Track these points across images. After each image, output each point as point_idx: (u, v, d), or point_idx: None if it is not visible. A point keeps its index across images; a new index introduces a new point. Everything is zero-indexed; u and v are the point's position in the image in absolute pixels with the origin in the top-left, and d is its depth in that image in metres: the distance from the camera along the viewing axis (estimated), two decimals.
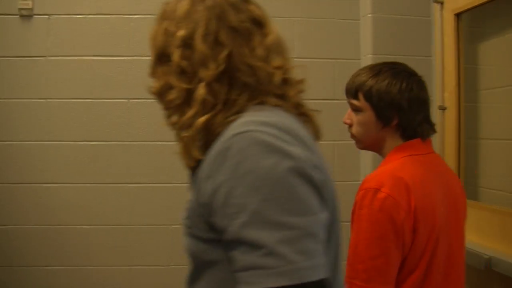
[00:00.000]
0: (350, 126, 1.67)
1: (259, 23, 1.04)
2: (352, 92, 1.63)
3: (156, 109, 2.69)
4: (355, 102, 1.63)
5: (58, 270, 2.80)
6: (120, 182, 2.82)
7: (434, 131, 1.64)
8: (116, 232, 2.81)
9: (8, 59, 2.82)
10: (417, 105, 1.58)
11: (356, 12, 2.93)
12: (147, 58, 2.71)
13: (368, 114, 1.60)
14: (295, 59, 2.67)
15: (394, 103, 1.56)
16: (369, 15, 2.82)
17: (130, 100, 2.82)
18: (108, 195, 2.82)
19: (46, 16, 2.84)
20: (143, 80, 2.71)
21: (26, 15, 2.84)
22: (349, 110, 1.67)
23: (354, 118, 1.64)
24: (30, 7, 2.83)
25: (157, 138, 2.81)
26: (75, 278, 2.82)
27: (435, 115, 2.74)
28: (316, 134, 1.08)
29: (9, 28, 2.84)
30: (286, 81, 1.04)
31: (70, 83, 2.82)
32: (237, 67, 0.99)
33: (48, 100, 2.80)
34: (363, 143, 1.67)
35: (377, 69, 1.61)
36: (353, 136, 1.68)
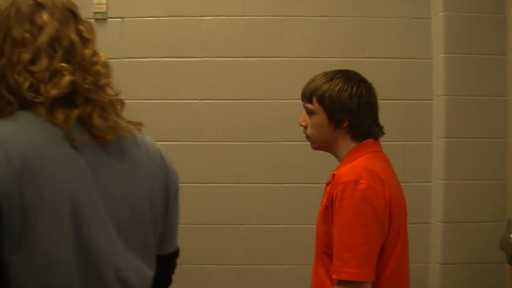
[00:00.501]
0: (305, 128, 1.79)
1: None
2: (307, 96, 1.76)
3: (227, 109, 2.82)
4: (309, 105, 1.76)
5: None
6: (192, 182, 2.89)
7: (382, 133, 1.78)
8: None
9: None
10: (366, 109, 1.72)
11: (427, 11, 2.92)
12: (219, 59, 2.84)
13: (321, 117, 1.73)
14: (366, 59, 2.74)
15: (345, 107, 1.69)
16: (441, 13, 2.81)
17: (202, 101, 2.89)
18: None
19: (120, 19, 2.95)
20: (215, 81, 2.86)
21: (101, 19, 2.95)
22: (304, 113, 1.79)
23: (309, 120, 1.77)
24: (104, 10, 2.94)
25: (229, 138, 2.89)
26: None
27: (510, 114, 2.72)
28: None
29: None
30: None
31: (143, 85, 2.92)
32: None
33: (131, 101, 2.88)
34: (317, 144, 1.79)
35: (331, 76, 1.74)
36: (307, 137, 1.80)
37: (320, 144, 1.79)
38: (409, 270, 1.74)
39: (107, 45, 2.87)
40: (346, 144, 1.74)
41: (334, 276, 1.58)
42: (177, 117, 2.90)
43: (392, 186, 1.66)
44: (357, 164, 1.65)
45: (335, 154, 1.78)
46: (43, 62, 1.01)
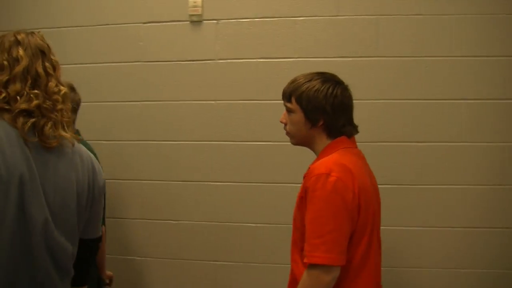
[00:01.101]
0: (285, 125, 1.98)
1: None
2: (287, 95, 1.96)
3: None
4: (288, 104, 1.95)
5: (222, 265, 3.01)
6: (283, 182, 2.95)
7: (356, 131, 1.95)
8: (279, 231, 2.93)
9: (180, 63, 3.07)
10: (340, 110, 1.88)
11: None
12: (313, 59, 2.87)
13: (299, 115, 1.91)
14: (460, 58, 2.68)
15: (320, 107, 1.86)
16: None
17: None
18: (273, 194, 2.95)
19: (215, 21, 3.04)
20: None
21: (196, 21, 3.06)
22: (284, 111, 1.97)
23: (288, 118, 1.96)
24: (199, 13, 3.05)
25: None
26: (238, 273, 3.00)
27: None
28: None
29: (181, 33, 3.08)
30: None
31: (238, 85, 3.00)
32: None
33: (218, 101, 3.00)
34: (296, 139, 1.98)
35: (310, 77, 1.92)
36: (287, 133, 1.99)
37: (298, 140, 1.97)
38: (379, 261, 1.91)
39: (202, 46, 3.00)
40: (322, 140, 1.91)
41: (305, 260, 1.74)
42: (270, 118, 2.95)
43: (363, 180, 1.82)
44: (329, 159, 1.82)
45: (312, 149, 1.96)
46: (17, 86, 1.47)
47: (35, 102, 1.47)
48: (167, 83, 3.08)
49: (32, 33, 1.59)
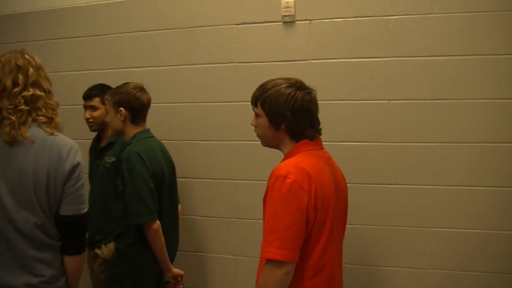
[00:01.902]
0: (255, 127, 2.16)
1: None
2: (254, 100, 2.14)
3: (418, 109, 2.90)
4: (255, 109, 2.13)
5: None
6: (378, 183, 3.03)
7: (319, 134, 2.13)
8: (365, 232, 3.04)
9: (274, 63, 3.19)
10: (300, 114, 2.04)
11: None
12: (407, 59, 2.93)
13: (264, 119, 2.09)
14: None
15: (280, 112, 2.04)
16: None
17: (391, 101, 3.00)
18: (369, 194, 3.04)
19: (307, 22, 3.14)
20: (403, 81, 2.95)
21: (289, 21, 3.17)
22: (254, 115, 2.15)
23: (256, 122, 2.14)
24: (292, 13, 3.16)
25: (420, 139, 2.96)
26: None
27: None
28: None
29: (273, 34, 3.21)
30: None
31: (331, 85, 3.09)
32: None
33: None
34: (264, 142, 2.18)
35: (274, 83, 2.09)
36: (258, 135, 2.18)
37: (266, 142, 2.18)
38: (339, 259, 2.13)
39: (295, 47, 3.11)
40: (286, 143, 2.10)
41: (261, 255, 1.93)
42: (365, 118, 3.04)
43: (321, 181, 1.98)
44: (290, 161, 1.99)
45: (281, 151, 2.14)
46: None
47: None
48: (260, 83, 3.20)
49: (20, 52, 2.05)
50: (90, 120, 3.27)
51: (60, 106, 3.32)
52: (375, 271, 3.07)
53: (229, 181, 3.32)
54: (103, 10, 3.70)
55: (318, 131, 2.14)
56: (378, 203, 3.03)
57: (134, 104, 2.87)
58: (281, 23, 3.19)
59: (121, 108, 2.87)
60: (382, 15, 3.03)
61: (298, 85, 2.09)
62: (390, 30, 3.01)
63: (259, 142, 2.21)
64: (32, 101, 1.98)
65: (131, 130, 2.90)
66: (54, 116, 2.05)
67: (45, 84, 2.06)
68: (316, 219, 1.95)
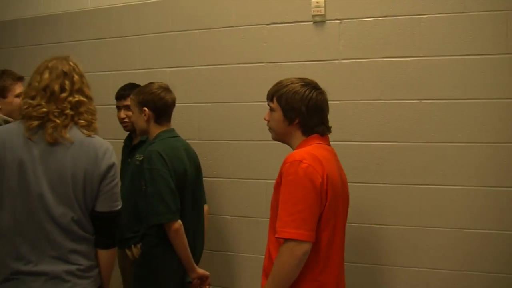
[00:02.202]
0: (268, 121, 2.35)
1: None
2: (270, 96, 2.32)
3: (447, 109, 2.90)
4: (270, 103, 2.32)
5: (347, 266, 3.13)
6: (410, 183, 3.03)
7: (329, 131, 2.34)
8: (406, 233, 3.03)
9: (304, 63, 3.23)
10: (313, 111, 2.24)
11: None
12: (437, 58, 2.92)
13: (278, 114, 2.28)
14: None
15: (295, 108, 2.23)
16: None
17: (422, 101, 3.00)
18: (398, 195, 3.04)
19: (338, 21, 3.16)
20: (435, 81, 2.95)
21: (319, 21, 3.20)
22: (268, 109, 2.33)
23: (270, 116, 2.32)
24: (322, 13, 3.18)
25: (449, 139, 2.95)
26: (363, 274, 3.12)
27: None
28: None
29: (304, 34, 3.24)
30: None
31: (362, 85, 3.11)
32: None
33: (342, 101, 3.13)
34: (275, 135, 2.35)
35: (291, 81, 2.29)
36: (269, 129, 2.36)
37: (277, 135, 2.35)
38: (343, 249, 2.27)
39: (325, 47, 3.14)
40: (297, 137, 2.28)
41: (276, 235, 2.06)
42: (395, 118, 3.04)
43: (331, 170, 2.15)
44: (302, 150, 2.17)
45: (289, 145, 2.32)
46: (37, 99, 2.13)
47: (42, 110, 2.10)
48: None
49: (64, 59, 2.23)
50: (126, 119, 3.33)
51: None
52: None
53: (258, 181, 3.36)
54: (133, 11, 3.78)
55: (328, 129, 2.34)
56: (408, 203, 3.05)
57: (158, 104, 2.92)
58: (311, 23, 3.22)
59: (145, 108, 2.92)
60: (414, 14, 3.02)
61: (313, 85, 2.30)
62: (421, 29, 3.01)
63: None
64: (76, 106, 2.17)
65: (155, 130, 2.95)
66: (93, 120, 2.22)
67: (87, 91, 2.25)
68: (327, 203, 2.10)
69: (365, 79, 3.10)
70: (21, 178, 2.08)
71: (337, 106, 3.11)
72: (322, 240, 2.10)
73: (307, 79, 2.33)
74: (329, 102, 3.03)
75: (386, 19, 3.08)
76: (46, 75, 2.17)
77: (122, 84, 3.45)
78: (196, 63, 3.55)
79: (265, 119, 2.38)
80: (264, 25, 3.34)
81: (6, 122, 2.86)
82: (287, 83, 2.29)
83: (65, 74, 2.18)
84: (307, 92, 2.25)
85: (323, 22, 3.19)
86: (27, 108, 2.14)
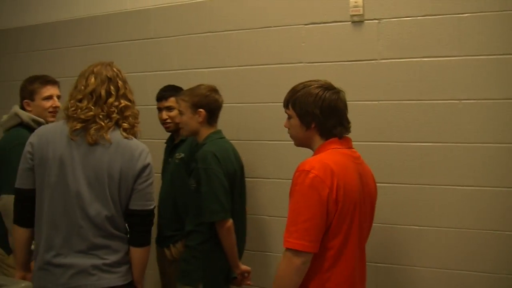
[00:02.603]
0: (288, 129, 2.36)
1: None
2: (286, 103, 2.34)
3: (489, 109, 2.91)
4: (287, 111, 2.33)
5: (382, 267, 3.19)
6: (449, 184, 3.04)
7: (347, 132, 2.31)
8: (447, 234, 3.05)
9: (343, 63, 3.27)
10: (328, 112, 2.23)
11: None
12: (477, 57, 2.93)
13: (295, 120, 2.29)
14: None
15: (309, 111, 2.23)
16: None
17: (462, 101, 3.01)
18: (438, 196, 3.07)
19: (376, 21, 3.20)
20: (476, 81, 2.96)
21: (358, 21, 3.23)
22: (287, 117, 2.34)
23: (289, 123, 2.34)
24: (361, 13, 3.22)
25: (494, 139, 2.96)
26: (399, 276, 3.16)
27: None
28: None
29: (342, 34, 3.28)
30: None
31: (401, 85, 3.13)
32: None
33: (381, 102, 3.17)
34: (297, 141, 2.37)
35: (304, 85, 2.29)
36: (290, 136, 2.38)
37: (298, 142, 2.36)
38: (361, 257, 2.27)
39: (364, 47, 3.17)
40: (316, 141, 2.28)
41: (283, 245, 2.09)
42: (434, 118, 3.06)
43: (346, 178, 2.14)
44: (314, 158, 2.19)
45: (311, 149, 2.32)
46: (84, 102, 2.29)
47: (89, 113, 2.27)
48: None
49: (108, 65, 2.39)
50: (168, 120, 3.43)
51: None
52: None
53: None
54: (171, 12, 3.87)
55: (347, 129, 2.32)
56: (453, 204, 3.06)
57: (213, 105, 3.06)
58: (349, 22, 3.26)
59: (201, 110, 3.03)
60: (454, 13, 3.03)
61: (326, 86, 2.28)
62: (461, 29, 3.01)
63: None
64: (122, 111, 2.34)
65: (206, 131, 3.06)
66: (136, 124, 2.40)
67: (130, 96, 2.42)
68: (337, 212, 2.10)
69: (405, 79, 3.13)
70: (61, 175, 2.25)
71: (375, 107, 3.18)
72: (331, 248, 2.13)
73: (322, 80, 2.33)
74: (368, 102, 3.15)
75: (425, 18, 3.09)
76: (92, 79, 2.33)
77: (160, 85, 3.56)
78: (234, 63, 3.62)
79: (285, 127, 2.41)
80: (303, 25, 3.39)
81: (34, 121, 3.11)
82: (300, 88, 2.31)
83: (110, 79, 2.34)
84: (320, 94, 2.24)
85: (361, 22, 3.23)
86: (74, 110, 2.30)
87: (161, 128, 3.52)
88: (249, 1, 3.58)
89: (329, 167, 2.11)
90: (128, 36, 4.08)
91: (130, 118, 2.36)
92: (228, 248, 2.93)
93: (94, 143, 2.26)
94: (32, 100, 3.19)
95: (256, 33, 3.54)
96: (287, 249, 2.09)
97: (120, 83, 2.36)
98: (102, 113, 2.29)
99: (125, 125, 2.33)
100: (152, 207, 2.37)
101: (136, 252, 2.37)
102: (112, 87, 2.33)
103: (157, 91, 3.53)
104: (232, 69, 3.63)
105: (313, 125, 2.26)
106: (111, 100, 2.31)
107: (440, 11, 3.06)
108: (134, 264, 2.38)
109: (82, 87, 2.32)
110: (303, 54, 3.39)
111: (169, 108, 3.40)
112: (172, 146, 3.50)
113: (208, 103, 3.03)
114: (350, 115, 3.12)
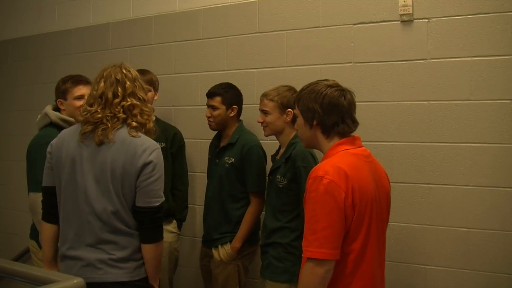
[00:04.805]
0: (297, 131, 2.53)
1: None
2: (293, 103, 2.53)
3: None
4: (294, 111, 2.52)
5: (434, 270, 3.36)
6: (500, 186, 3.20)
7: (352, 129, 2.41)
8: (494, 237, 3.20)
9: (392, 63, 3.49)
10: (329, 109, 2.35)
11: None
12: None
13: (300, 119, 2.45)
14: None
15: (310, 107, 2.37)
16: None
17: None
18: (487, 198, 3.22)
19: (426, 20, 3.40)
20: None
21: (407, 20, 3.45)
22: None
23: (296, 124, 2.51)
24: (410, 12, 3.44)
25: None
26: (448, 278, 3.30)
27: None
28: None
29: (391, 33, 3.51)
30: None
31: (451, 85, 3.32)
32: None
33: (431, 102, 3.37)
34: (304, 142, 2.54)
35: (310, 84, 2.44)
36: (299, 138, 2.56)
37: (306, 142, 2.52)
38: (379, 255, 2.37)
39: (413, 46, 3.38)
40: (321, 140, 2.41)
41: (302, 254, 2.22)
42: (486, 118, 3.22)
43: (360, 180, 2.25)
44: (327, 162, 2.29)
45: (320, 150, 2.48)
46: (95, 106, 2.54)
47: (97, 116, 2.51)
48: (378, 84, 3.53)
49: (118, 66, 2.61)
50: (210, 119, 3.70)
51: (178, 107, 3.83)
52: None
53: None
54: (220, 13, 4.18)
55: (351, 127, 2.41)
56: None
57: None
58: (399, 22, 3.48)
59: (290, 110, 3.31)
60: (505, 11, 3.20)
61: (331, 85, 2.43)
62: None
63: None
64: (129, 109, 2.56)
65: (291, 131, 3.36)
66: (147, 121, 2.60)
67: (141, 94, 2.62)
68: (354, 216, 2.21)
69: (454, 79, 3.31)
70: (72, 173, 2.53)
71: (425, 107, 3.38)
72: (351, 252, 2.24)
73: (330, 80, 2.48)
74: (417, 102, 3.36)
75: (475, 16, 3.27)
76: (102, 83, 2.58)
77: (208, 86, 3.82)
78: (283, 64, 3.88)
79: (295, 128, 2.64)
80: (352, 25, 3.63)
81: (64, 120, 3.40)
82: (306, 87, 2.46)
83: (118, 81, 2.57)
84: (321, 90, 2.37)
85: (410, 21, 3.44)
86: (86, 114, 2.57)
87: (209, 128, 3.80)
88: (298, 1, 3.83)
89: (343, 171, 2.22)
90: (177, 37, 4.39)
91: (139, 116, 2.57)
92: None
93: (101, 143, 2.50)
94: (65, 99, 3.41)
95: (305, 33, 3.80)
96: (309, 259, 2.18)
97: (128, 83, 2.57)
98: (109, 114, 2.52)
99: (133, 123, 2.54)
100: (158, 204, 2.52)
101: (147, 249, 2.53)
102: (119, 89, 2.55)
103: (206, 91, 3.80)
104: (281, 69, 3.89)
105: (315, 123, 2.39)
106: (117, 100, 2.53)
107: (491, 9, 3.23)
108: (146, 260, 2.54)
109: (94, 92, 2.59)
110: (352, 54, 3.62)
111: (213, 107, 3.68)
112: (219, 148, 3.76)
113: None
114: (400, 115, 3.42)
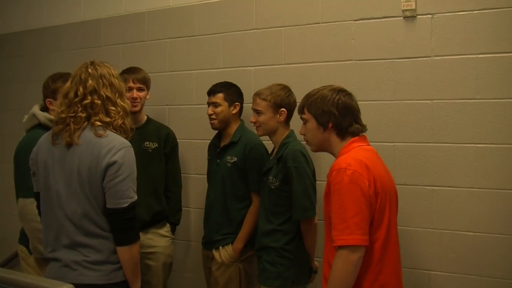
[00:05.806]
0: (304, 135, 2.68)
1: None
2: (301, 108, 2.67)
3: None
4: (303, 115, 2.66)
5: (439, 276, 3.36)
6: (508, 188, 3.18)
7: (364, 129, 2.63)
8: (501, 241, 3.18)
9: (394, 60, 3.47)
10: (344, 111, 2.56)
11: None
12: None
13: (312, 123, 2.61)
14: None
15: (326, 110, 2.56)
16: None
17: None
18: (494, 201, 3.21)
19: (429, 16, 3.38)
20: None
21: (410, 16, 3.43)
22: (302, 123, 2.68)
23: (305, 128, 2.65)
24: (413, 8, 3.42)
25: None
26: (454, 284, 3.29)
27: None
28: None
29: (393, 30, 3.49)
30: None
31: (456, 83, 3.30)
32: None
33: (434, 101, 3.35)
34: (315, 146, 2.68)
35: (318, 90, 2.64)
36: (307, 142, 2.71)
37: (316, 145, 2.67)
38: (398, 249, 2.54)
39: (416, 43, 3.36)
40: (335, 142, 2.59)
41: (333, 244, 2.35)
42: (493, 117, 3.21)
43: (378, 171, 2.46)
44: (347, 156, 2.47)
45: (331, 152, 2.64)
46: (62, 107, 2.60)
47: (62, 116, 2.56)
48: (380, 82, 3.52)
49: (85, 65, 2.61)
50: (213, 116, 3.68)
51: (172, 106, 3.77)
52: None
53: None
54: (218, 8, 4.16)
55: (363, 127, 2.64)
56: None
57: (293, 105, 3.39)
58: (401, 18, 3.46)
59: (283, 109, 3.34)
60: (510, 6, 3.17)
61: (339, 89, 2.63)
62: None
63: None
64: (91, 107, 2.56)
65: (284, 131, 3.39)
66: (114, 120, 2.58)
67: (105, 92, 2.58)
68: (377, 204, 2.40)
69: (459, 77, 3.29)
70: (46, 177, 2.58)
71: (428, 106, 3.37)
72: (377, 240, 2.41)
73: (334, 85, 2.68)
74: (419, 101, 3.36)
75: (481, 12, 3.25)
76: (68, 83, 2.63)
77: (204, 84, 3.82)
78: (281, 61, 3.87)
79: (301, 134, 2.73)
80: (352, 21, 3.61)
81: (52, 121, 3.23)
82: (314, 93, 2.64)
83: (81, 80, 2.58)
84: (334, 95, 2.58)
85: (413, 17, 3.42)
86: (55, 114, 2.64)
87: (204, 128, 3.79)
88: None
89: (363, 162, 2.42)
90: (172, 33, 4.38)
91: (101, 115, 2.55)
92: (311, 244, 3.23)
93: (69, 144, 2.52)
94: (55, 99, 3.29)
95: (304, 30, 3.78)
96: (341, 247, 2.33)
97: (89, 82, 2.56)
98: (72, 114, 2.55)
99: (97, 122, 2.54)
100: (126, 204, 2.50)
101: (121, 251, 2.54)
102: (81, 87, 2.56)
103: (201, 90, 3.79)
104: (279, 67, 3.87)
105: (330, 125, 2.58)
106: (77, 99, 2.55)
107: (498, 4, 3.21)
108: (122, 263, 2.56)
109: (63, 92, 2.65)
110: (353, 51, 3.61)
111: (215, 104, 3.66)
112: (220, 147, 3.74)
113: (289, 103, 3.35)
114: (402, 115, 3.41)
